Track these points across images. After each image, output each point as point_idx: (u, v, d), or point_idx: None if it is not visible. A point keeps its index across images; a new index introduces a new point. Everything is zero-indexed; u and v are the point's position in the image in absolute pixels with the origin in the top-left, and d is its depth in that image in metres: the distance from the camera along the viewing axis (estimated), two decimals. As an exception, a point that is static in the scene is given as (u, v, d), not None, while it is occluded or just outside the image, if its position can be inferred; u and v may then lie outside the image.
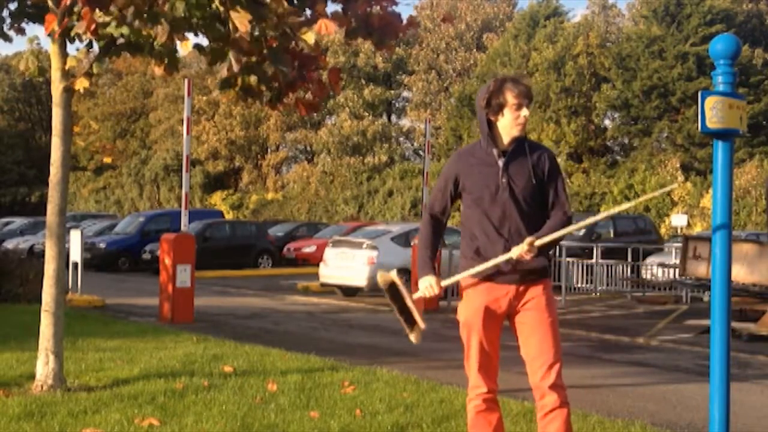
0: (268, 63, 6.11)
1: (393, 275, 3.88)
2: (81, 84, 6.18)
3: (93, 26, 5.39)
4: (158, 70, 5.95)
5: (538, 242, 3.78)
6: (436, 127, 41.64)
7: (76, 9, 5.60)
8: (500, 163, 3.91)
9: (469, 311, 3.97)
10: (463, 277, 3.94)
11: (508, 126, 3.90)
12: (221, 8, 5.43)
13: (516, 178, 3.89)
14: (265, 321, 12.69)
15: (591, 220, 4.27)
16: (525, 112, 3.90)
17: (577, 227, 4.02)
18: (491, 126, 3.94)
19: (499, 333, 4.01)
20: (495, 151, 3.92)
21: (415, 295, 3.90)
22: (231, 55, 5.76)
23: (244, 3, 5.38)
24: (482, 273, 3.87)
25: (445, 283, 3.95)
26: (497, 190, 3.88)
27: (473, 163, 3.95)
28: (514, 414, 5.82)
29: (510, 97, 3.87)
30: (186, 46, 5.72)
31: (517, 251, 3.77)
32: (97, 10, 5.38)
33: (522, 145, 3.95)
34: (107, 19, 5.51)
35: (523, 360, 3.98)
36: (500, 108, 3.90)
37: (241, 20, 5.27)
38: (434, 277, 3.90)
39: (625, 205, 3.96)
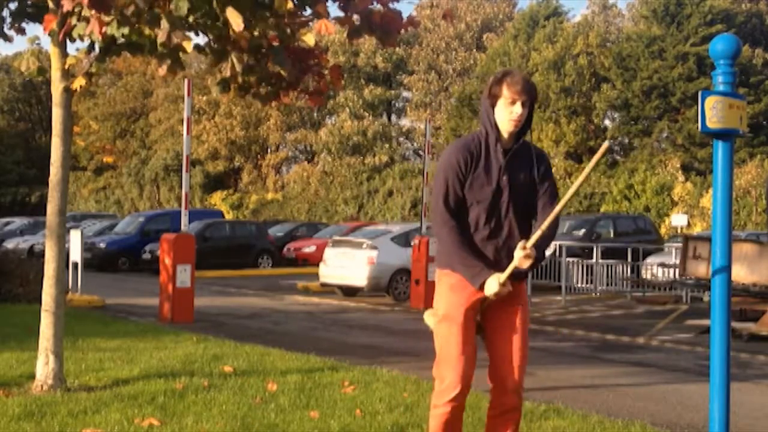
0: (267, 61, 6.11)
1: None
2: (78, 83, 6.18)
3: (103, 28, 5.38)
4: (162, 71, 5.95)
5: (530, 243, 3.66)
6: (436, 127, 41.63)
7: (76, 10, 5.60)
8: (502, 160, 3.76)
9: (451, 304, 3.78)
10: (510, 271, 3.69)
11: (502, 121, 3.73)
12: (218, 8, 5.43)
13: (516, 178, 3.76)
14: (265, 321, 12.69)
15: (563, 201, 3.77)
16: (518, 108, 3.69)
17: (555, 213, 3.71)
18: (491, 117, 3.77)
19: (475, 332, 3.86)
20: (499, 147, 3.76)
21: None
22: (233, 56, 5.75)
23: (241, 2, 5.37)
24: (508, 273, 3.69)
25: (503, 277, 3.68)
26: (498, 189, 3.74)
27: (474, 156, 3.75)
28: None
29: (505, 90, 3.70)
30: (188, 45, 5.72)
31: (516, 261, 3.65)
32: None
33: (525, 145, 3.81)
34: (107, 19, 5.51)
35: (487, 355, 3.88)
36: (495, 98, 3.73)
37: (235, 20, 5.26)
38: (497, 274, 3.67)
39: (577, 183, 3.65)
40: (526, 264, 3.65)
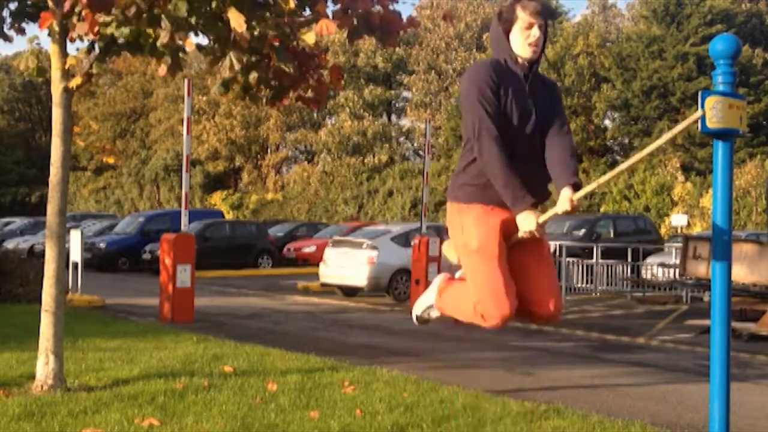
0: (268, 61, 6.11)
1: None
2: (75, 82, 6.19)
3: (95, 28, 5.39)
4: (161, 71, 5.94)
5: (578, 195, 3.48)
6: (436, 127, 41.62)
7: (77, 9, 5.61)
8: (525, 85, 3.56)
9: (483, 235, 3.54)
10: (551, 215, 3.52)
11: (518, 46, 3.54)
12: (221, 6, 5.43)
13: (538, 104, 3.60)
14: (265, 321, 12.69)
15: (622, 167, 3.77)
16: (536, 31, 3.50)
17: (617, 171, 3.64)
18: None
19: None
20: (520, 73, 3.54)
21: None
22: (232, 55, 5.76)
23: (241, 2, 5.38)
24: (551, 217, 3.53)
25: (543, 218, 3.50)
26: (525, 114, 3.56)
27: (501, 78, 3.50)
28: (515, 414, 5.82)
29: (520, 14, 3.50)
30: (188, 45, 5.73)
31: (560, 209, 3.47)
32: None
33: (536, 73, 3.62)
34: (108, 19, 5.51)
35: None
36: (510, 24, 3.54)
37: (237, 20, 5.26)
38: (534, 211, 3.46)
39: None
40: (568, 212, 3.50)
